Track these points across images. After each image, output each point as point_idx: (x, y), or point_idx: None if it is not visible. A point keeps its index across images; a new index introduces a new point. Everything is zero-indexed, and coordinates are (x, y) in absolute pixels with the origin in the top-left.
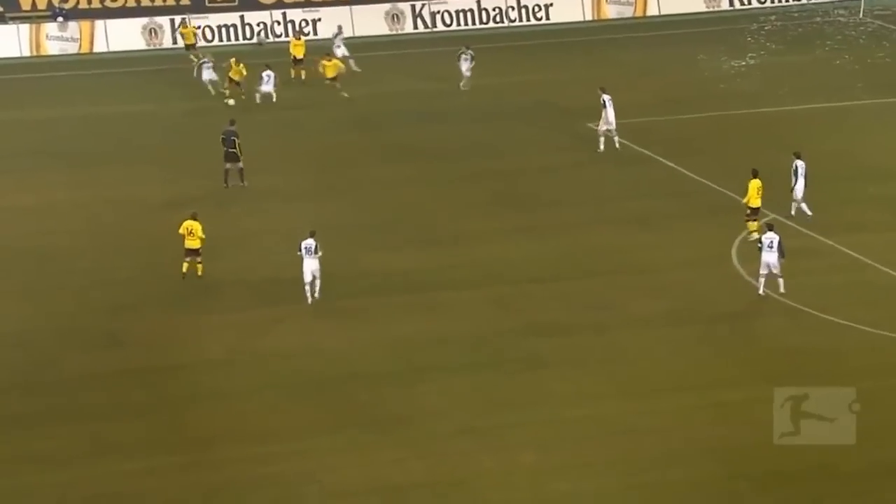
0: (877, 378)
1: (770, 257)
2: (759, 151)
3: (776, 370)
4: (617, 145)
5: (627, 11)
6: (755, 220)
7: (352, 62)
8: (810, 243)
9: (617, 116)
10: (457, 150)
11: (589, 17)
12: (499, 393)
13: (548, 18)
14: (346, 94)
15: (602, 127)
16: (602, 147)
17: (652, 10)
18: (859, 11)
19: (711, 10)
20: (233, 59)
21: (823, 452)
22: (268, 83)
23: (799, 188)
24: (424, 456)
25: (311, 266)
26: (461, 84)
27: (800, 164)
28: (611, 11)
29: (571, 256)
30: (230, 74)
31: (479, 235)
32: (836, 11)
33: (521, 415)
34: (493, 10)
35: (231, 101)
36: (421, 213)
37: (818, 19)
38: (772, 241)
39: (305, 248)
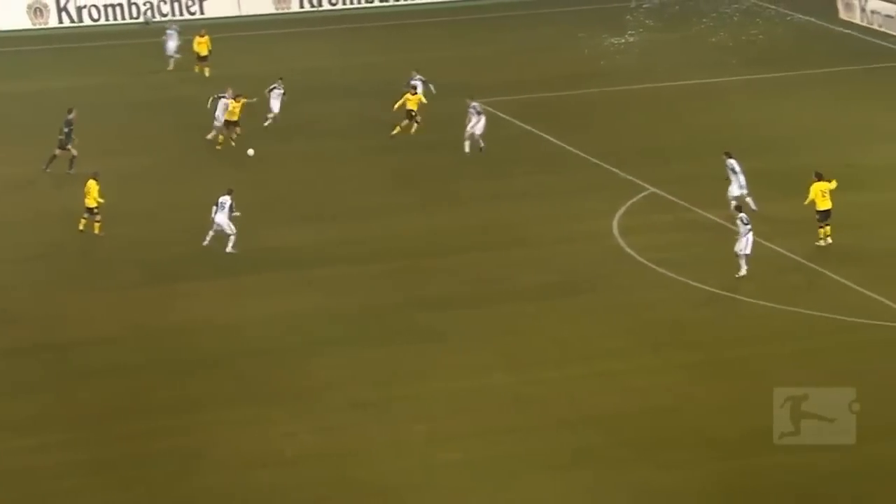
0: (753, 346)
1: (750, 238)
2: (640, 127)
3: (658, 340)
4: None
5: None
6: (823, 226)
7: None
8: (691, 216)
9: (500, 94)
10: (344, 127)
11: None
12: (390, 366)
13: None
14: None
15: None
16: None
17: None
18: None
19: None
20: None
21: (701, 419)
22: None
23: (735, 187)
24: (318, 429)
25: (221, 219)
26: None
27: (732, 162)
28: None
29: (460, 231)
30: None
31: (371, 211)
32: None
33: (413, 387)
34: None
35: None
36: (313, 190)
37: None
38: (748, 222)
39: (220, 203)
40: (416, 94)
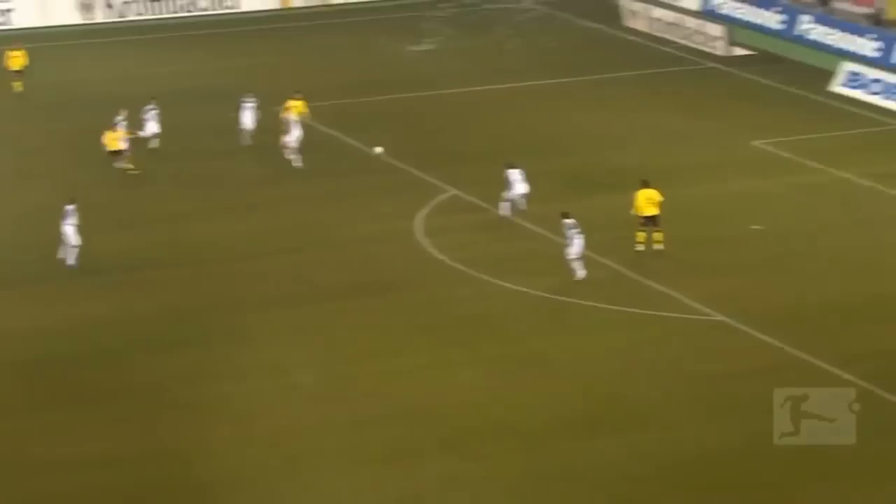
0: (552, 339)
1: (581, 241)
2: (441, 131)
3: (461, 335)
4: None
5: (312, 0)
6: (646, 231)
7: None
8: (491, 216)
9: (308, 100)
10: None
11: (276, 6)
12: (205, 366)
13: (237, 7)
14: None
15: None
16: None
17: None
18: None
19: None
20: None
21: (503, 411)
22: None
23: (514, 192)
24: (133, 431)
25: (67, 230)
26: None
27: (512, 172)
28: (296, 0)
29: (266, 234)
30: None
31: (178, 216)
32: None
33: (227, 386)
34: None
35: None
36: (129, 196)
37: (489, 6)
38: (576, 226)
39: (68, 211)
40: (297, 101)
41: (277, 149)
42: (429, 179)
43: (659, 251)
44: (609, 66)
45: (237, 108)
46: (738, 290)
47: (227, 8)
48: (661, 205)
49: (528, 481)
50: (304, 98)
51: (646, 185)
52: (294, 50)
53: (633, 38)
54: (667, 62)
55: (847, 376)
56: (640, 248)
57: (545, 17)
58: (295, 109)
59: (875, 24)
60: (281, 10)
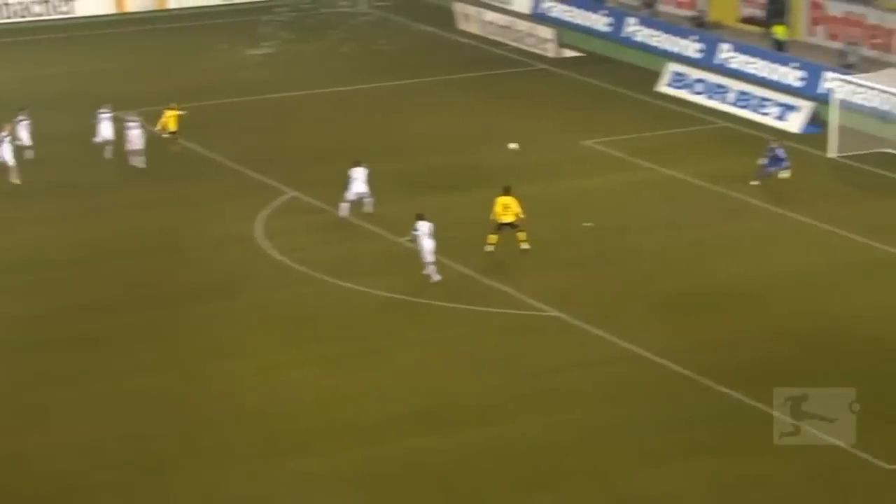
0: (390, 336)
1: (430, 244)
2: (280, 134)
3: (303, 335)
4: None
5: (148, 4)
6: (497, 234)
7: None
8: (331, 217)
9: (142, 105)
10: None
11: (113, 11)
12: (55, 371)
13: (73, 12)
14: None
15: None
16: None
17: (171, 4)
18: (360, 3)
19: (227, 2)
20: None
21: (345, 408)
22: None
23: (352, 192)
24: None
25: None
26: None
27: (356, 170)
28: (132, 5)
29: (110, 238)
30: None
31: (17, 223)
32: (339, 3)
33: (73, 391)
34: (17, 3)
35: None
36: None
37: (325, 10)
38: (428, 229)
39: None
40: (173, 111)
41: (122, 155)
42: (269, 182)
43: (525, 250)
44: (444, 69)
45: (90, 117)
46: (572, 286)
47: (63, 13)
48: (518, 213)
49: (371, 477)
50: (178, 107)
51: (507, 191)
52: (131, 55)
53: (467, 41)
54: (500, 64)
55: (675, 367)
56: (490, 248)
57: (381, 21)
58: (171, 119)
59: (697, 26)
60: (117, 14)
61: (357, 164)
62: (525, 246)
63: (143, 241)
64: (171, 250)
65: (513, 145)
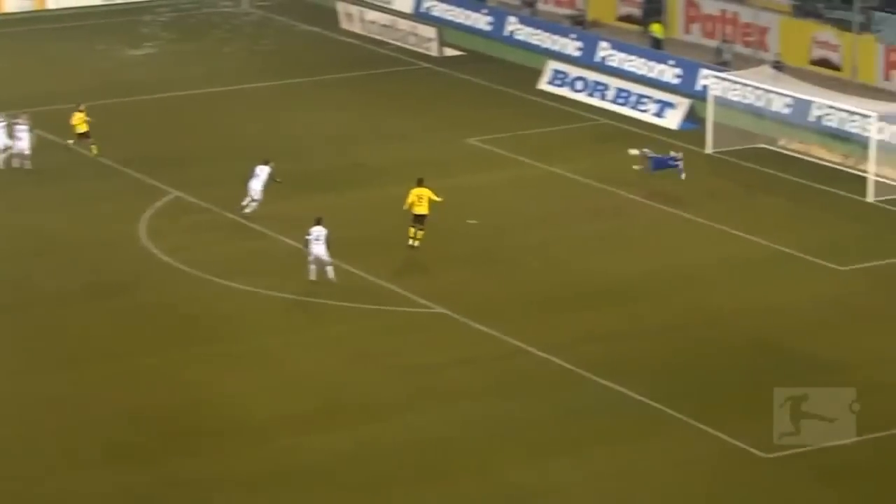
0: (272, 336)
1: (318, 248)
2: (162, 134)
3: (186, 336)
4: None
5: (27, 5)
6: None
7: None
8: (214, 217)
9: (21, 107)
10: None
11: None
12: None
13: None
14: None
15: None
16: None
17: (51, 4)
18: (242, 3)
19: (108, 2)
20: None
21: (232, 408)
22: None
23: (252, 191)
24: None
25: None
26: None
27: (262, 168)
28: (10, 5)
29: None
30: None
31: None
32: (221, 2)
33: None
34: None
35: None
36: None
37: (207, 10)
38: (318, 235)
39: None
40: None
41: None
42: (152, 182)
43: (412, 247)
44: (327, 69)
45: None
46: (458, 283)
47: None
48: (430, 205)
49: (262, 477)
50: (84, 110)
51: (420, 183)
52: (10, 56)
53: (350, 40)
54: (383, 63)
55: (559, 362)
56: (412, 242)
57: (263, 21)
58: (80, 122)
59: (577, 24)
60: None
61: (265, 163)
62: (416, 243)
63: (26, 243)
64: (54, 252)
65: (634, 151)
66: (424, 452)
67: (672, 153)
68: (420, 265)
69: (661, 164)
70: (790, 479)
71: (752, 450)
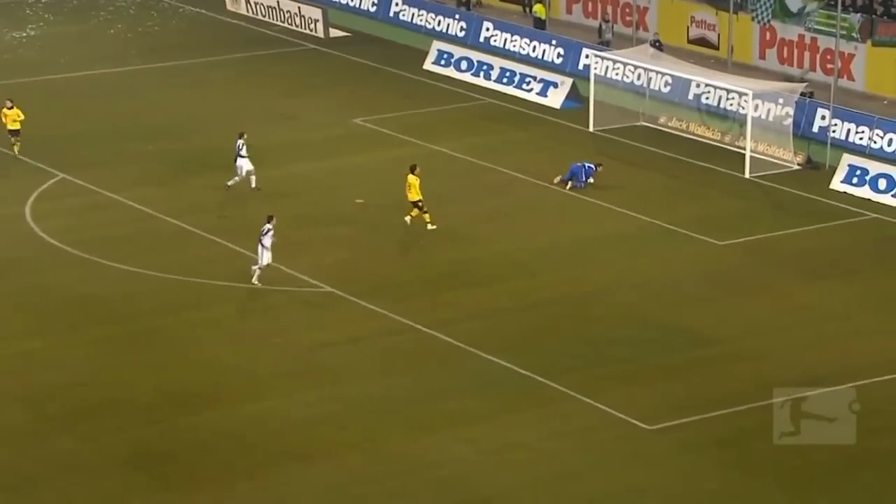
0: (165, 317)
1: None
2: (46, 117)
3: (74, 317)
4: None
5: None
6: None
7: None
8: (101, 198)
9: None
10: None
11: None
12: None
13: None
14: None
15: None
16: None
17: None
18: None
19: None
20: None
21: (117, 388)
22: None
23: (242, 164)
24: None
25: None
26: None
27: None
28: None
29: None
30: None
31: None
32: None
33: None
34: None
35: None
36: None
37: None
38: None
39: None
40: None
41: None
42: (36, 164)
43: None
44: (213, 50)
45: None
46: (345, 262)
47: None
48: (420, 190)
49: (146, 456)
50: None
51: (412, 170)
52: None
53: (236, 21)
54: (269, 45)
55: (445, 338)
56: (429, 227)
57: (147, 3)
58: (13, 117)
59: (460, 4)
60: None
61: (240, 136)
62: (432, 226)
63: None
64: None
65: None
66: (310, 430)
67: (587, 163)
68: (308, 245)
69: (577, 172)
70: (673, 450)
71: (635, 421)
